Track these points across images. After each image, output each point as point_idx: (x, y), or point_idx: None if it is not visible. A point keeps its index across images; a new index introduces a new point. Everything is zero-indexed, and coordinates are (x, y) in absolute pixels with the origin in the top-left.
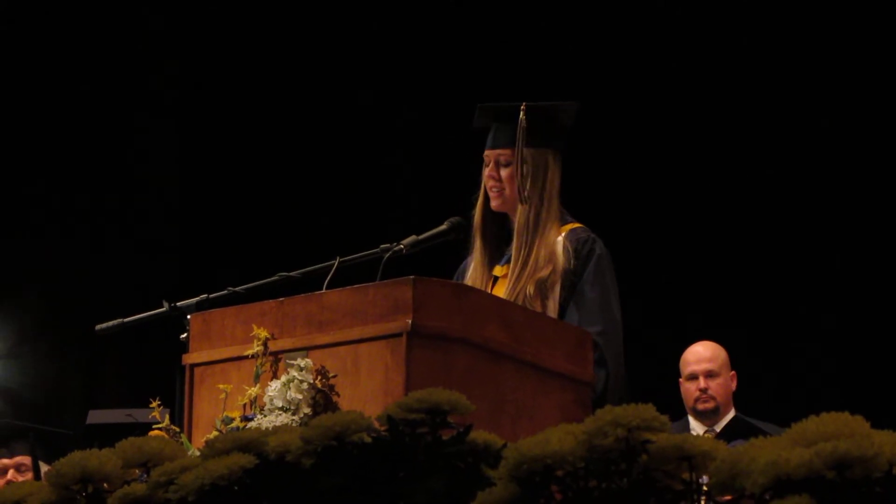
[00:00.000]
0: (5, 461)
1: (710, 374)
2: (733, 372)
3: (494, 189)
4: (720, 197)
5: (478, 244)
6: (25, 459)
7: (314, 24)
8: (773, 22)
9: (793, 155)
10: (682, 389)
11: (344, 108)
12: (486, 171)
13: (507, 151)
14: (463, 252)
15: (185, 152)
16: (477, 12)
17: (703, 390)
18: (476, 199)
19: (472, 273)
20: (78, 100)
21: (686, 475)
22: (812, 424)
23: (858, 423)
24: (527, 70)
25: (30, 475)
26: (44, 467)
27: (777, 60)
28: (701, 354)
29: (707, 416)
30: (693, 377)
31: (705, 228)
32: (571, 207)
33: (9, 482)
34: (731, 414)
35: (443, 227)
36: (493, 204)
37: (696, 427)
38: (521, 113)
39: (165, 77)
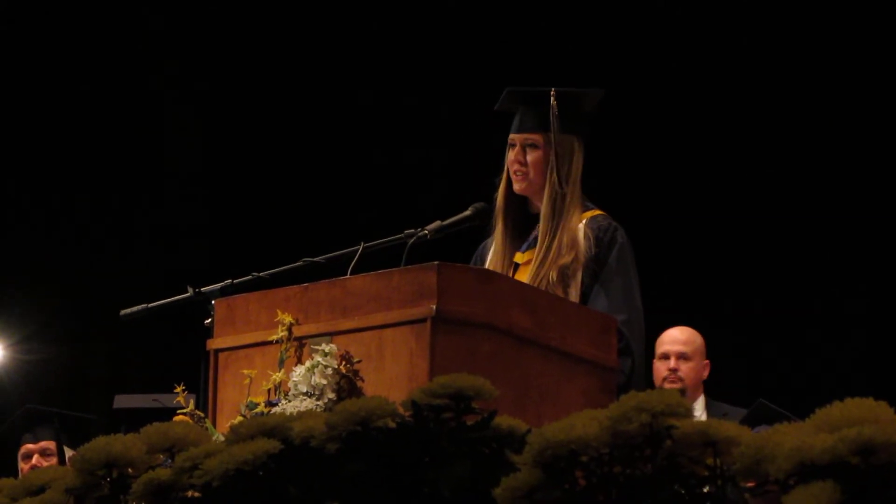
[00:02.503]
0: (30, 446)
1: (682, 356)
2: (707, 361)
3: (519, 173)
4: (738, 185)
5: (499, 227)
6: (50, 444)
7: (339, 9)
8: (791, 17)
9: (812, 146)
10: (654, 369)
11: (368, 94)
12: (512, 155)
13: (535, 136)
14: (486, 237)
15: (209, 138)
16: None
17: (673, 370)
18: (499, 182)
19: (493, 258)
20: (101, 87)
21: (710, 461)
22: (836, 410)
23: (883, 409)
24: (550, 56)
25: (54, 460)
26: (68, 452)
27: (790, 56)
28: (676, 336)
29: None
30: (665, 357)
31: (722, 217)
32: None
33: (34, 467)
34: (701, 399)
35: (467, 212)
36: (516, 187)
37: None
38: (552, 98)
39: (189, 63)
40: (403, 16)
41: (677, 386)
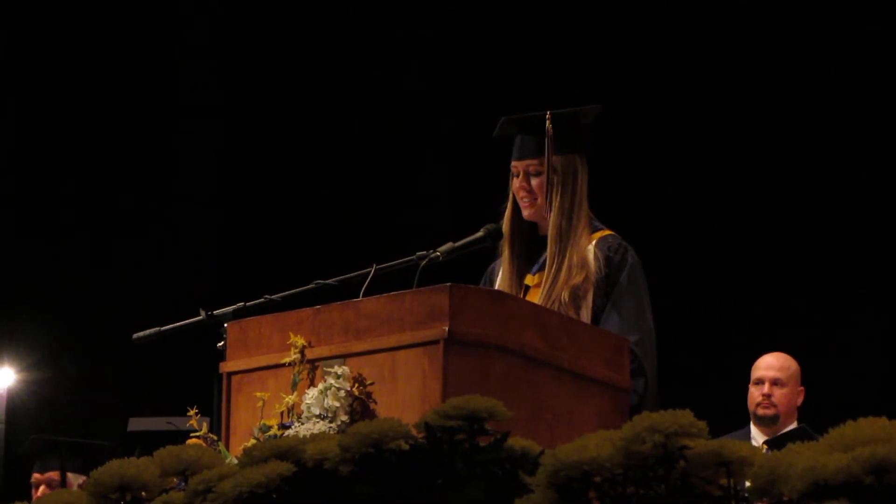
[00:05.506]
0: (37, 476)
1: (776, 382)
2: (801, 387)
3: (525, 199)
4: (743, 202)
5: (506, 254)
6: (55, 475)
7: (348, 34)
8: (802, 24)
9: (829, 163)
10: (748, 394)
11: (380, 115)
12: (516, 182)
13: (536, 161)
14: (495, 258)
15: (223, 160)
16: (510, 21)
17: (767, 396)
18: (504, 210)
19: (501, 283)
20: (115, 108)
21: (724, 481)
22: (850, 429)
23: None
24: (553, 76)
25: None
26: (77, 479)
27: (807, 64)
28: (771, 363)
29: (765, 423)
30: (760, 382)
31: (732, 235)
32: (597, 213)
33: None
34: (794, 426)
35: (479, 233)
36: (525, 214)
37: (757, 436)
38: (547, 122)
39: (203, 86)
40: (415, 37)
41: (770, 412)
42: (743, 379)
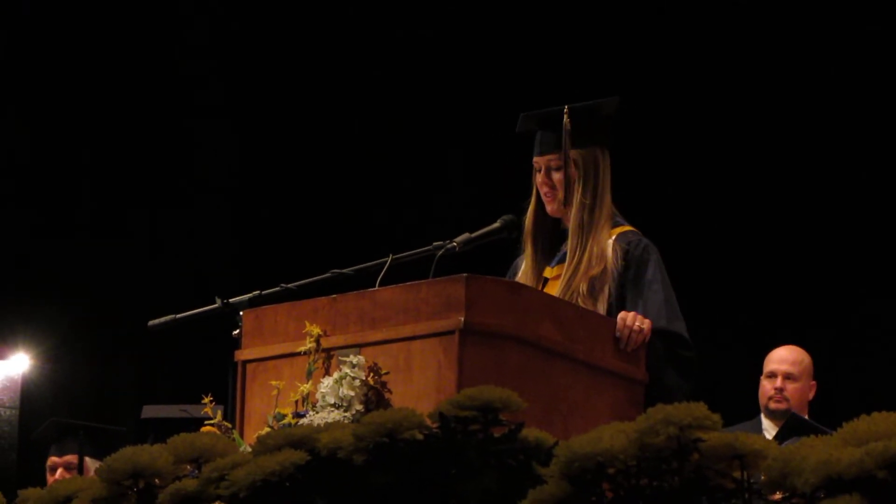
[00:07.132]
0: (55, 459)
1: (788, 376)
2: (813, 382)
3: (549, 195)
4: (756, 195)
5: (529, 249)
6: (74, 458)
7: (365, 26)
8: (802, 24)
9: (834, 161)
10: (760, 387)
11: (397, 105)
12: (539, 178)
13: (556, 156)
14: (515, 250)
15: (240, 149)
16: (530, 14)
17: (779, 390)
18: (527, 206)
19: (523, 275)
20: (131, 96)
21: (737, 474)
22: (863, 424)
23: None
24: (578, 68)
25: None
26: (94, 463)
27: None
28: (784, 356)
29: (777, 417)
30: (772, 375)
31: (745, 228)
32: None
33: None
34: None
35: (496, 224)
36: (549, 209)
37: (769, 427)
38: (565, 116)
39: (222, 76)
40: (432, 32)
41: (783, 406)
42: (755, 371)
